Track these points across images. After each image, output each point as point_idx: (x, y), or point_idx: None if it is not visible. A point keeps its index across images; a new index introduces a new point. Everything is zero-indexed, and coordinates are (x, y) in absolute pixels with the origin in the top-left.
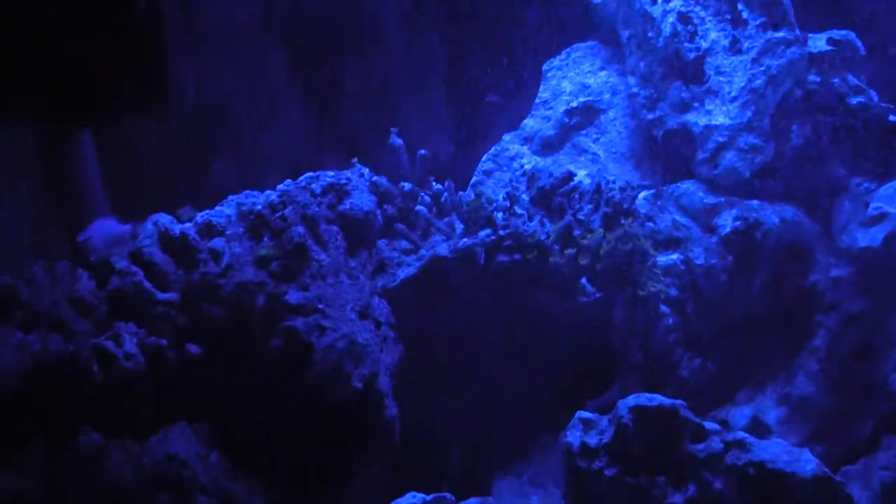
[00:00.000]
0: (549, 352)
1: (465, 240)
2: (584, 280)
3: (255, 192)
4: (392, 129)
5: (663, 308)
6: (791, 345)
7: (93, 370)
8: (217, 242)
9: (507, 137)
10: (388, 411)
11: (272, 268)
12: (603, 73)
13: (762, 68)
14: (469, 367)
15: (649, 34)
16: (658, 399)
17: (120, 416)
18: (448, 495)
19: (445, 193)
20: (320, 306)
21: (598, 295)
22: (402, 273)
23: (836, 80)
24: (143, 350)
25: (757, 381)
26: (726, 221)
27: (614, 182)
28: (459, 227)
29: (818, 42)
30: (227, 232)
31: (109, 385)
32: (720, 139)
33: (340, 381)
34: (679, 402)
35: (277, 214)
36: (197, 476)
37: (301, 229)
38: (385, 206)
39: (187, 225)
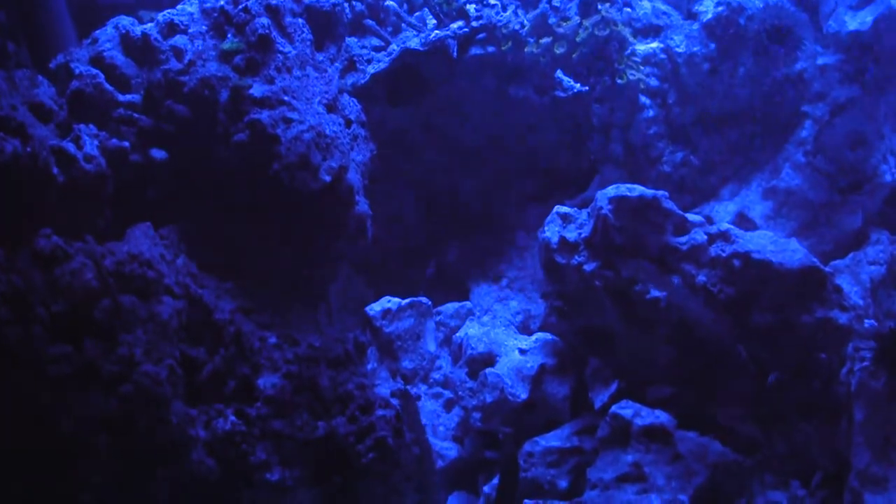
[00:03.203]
0: (525, 149)
1: (437, 32)
2: (559, 72)
3: None
4: None
5: (643, 99)
6: (777, 136)
7: (52, 172)
8: (179, 40)
9: None
10: (358, 207)
11: (236, 62)
12: None
13: None
14: (443, 167)
15: None
16: (639, 189)
17: (81, 219)
18: (424, 299)
19: None
20: (286, 98)
21: (575, 89)
22: (373, 69)
23: None
24: (104, 152)
25: (742, 174)
26: (708, 7)
27: None
28: (432, 22)
29: None
30: (190, 30)
31: (70, 187)
32: None
33: (308, 173)
34: (661, 192)
35: (240, 6)
36: (162, 277)
37: (265, 20)
38: (353, 3)
39: (149, 25)
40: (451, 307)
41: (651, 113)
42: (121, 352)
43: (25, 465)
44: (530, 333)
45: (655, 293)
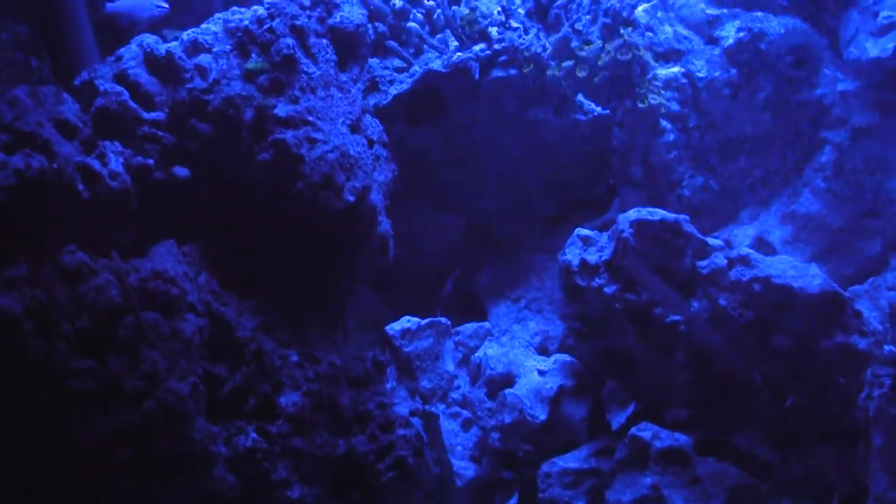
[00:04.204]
0: (545, 171)
1: (460, 54)
2: (580, 96)
3: (243, 9)
4: None
5: (664, 123)
6: (796, 162)
7: (77, 189)
8: (203, 59)
9: None
10: (381, 227)
11: (260, 81)
12: None
13: None
14: (463, 188)
15: None
16: (660, 213)
17: (105, 236)
18: (443, 319)
19: (438, 10)
20: (310, 118)
21: (595, 112)
22: (395, 90)
23: None
24: (128, 169)
25: (761, 199)
26: (729, 33)
27: None
28: (453, 44)
29: None
30: (214, 49)
31: (94, 204)
32: None
33: (332, 193)
34: (682, 216)
35: (265, 27)
36: (185, 294)
37: (290, 40)
38: (376, 24)
39: (173, 44)
40: (469, 327)
41: (671, 137)
42: (144, 368)
43: (46, 478)
44: (548, 355)
45: (674, 317)
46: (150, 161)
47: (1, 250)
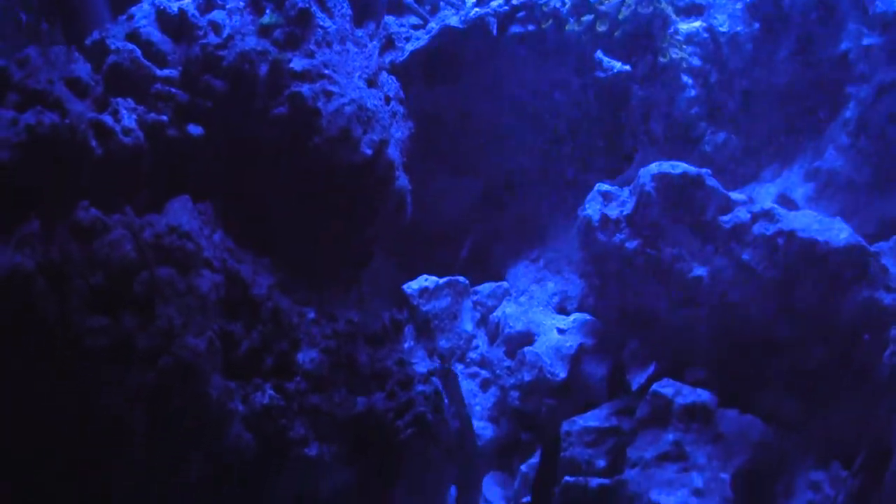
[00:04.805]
0: (564, 130)
1: (477, 10)
2: (600, 52)
3: None
4: None
5: (685, 78)
6: (820, 118)
7: (90, 145)
8: (217, 15)
9: None
10: (399, 182)
11: (275, 36)
12: None
13: None
14: (480, 148)
15: None
16: (682, 167)
17: (119, 193)
18: (461, 279)
19: None
20: (326, 72)
21: (615, 69)
22: (412, 46)
23: None
24: (142, 126)
25: (784, 156)
26: None
27: None
28: (471, 1)
29: None
30: (228, 6)
31: (107, 161)
32: None
33: (349, 146)
34: (705, 170)
35: None
36: (201, 250)
37: None
38: None
39: (186, 2)
40: (487, 287)
41: (693, 93)
42: (159, 324)
43: (62, 438)
44: (567, 314)
45: (698, 271)
46: (164, 117)
47: (14, 208)
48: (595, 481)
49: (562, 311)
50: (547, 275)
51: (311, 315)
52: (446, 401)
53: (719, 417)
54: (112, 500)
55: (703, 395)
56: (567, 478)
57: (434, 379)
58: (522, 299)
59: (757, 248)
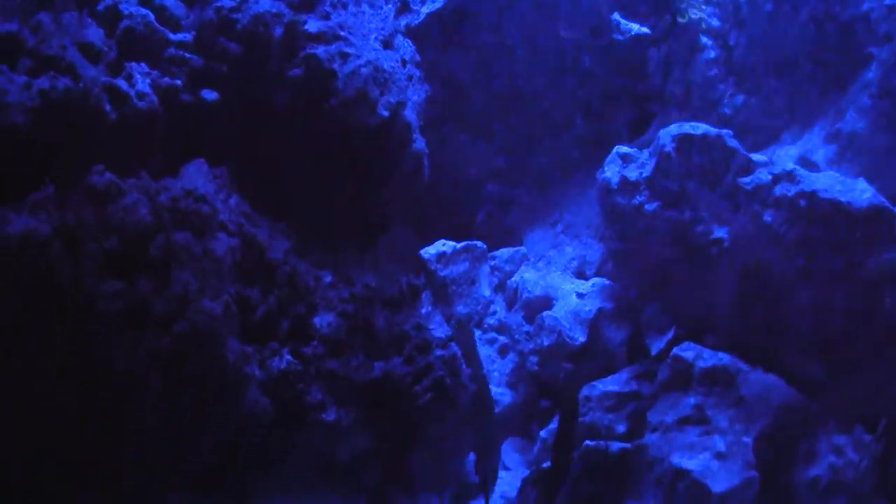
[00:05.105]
0: (581, 95)
1: None
2: (617, 15)
3: None
4: None
5: (704, 39)
6: (841, 79)
7: (105, 109)
8: None
9: None
10: (416, 144)
11: None
12: None
13: None
14: (496, 113)
15: None
16: (703, 127)
17: (134, 157)
18: (479, 243)
19: None
20: (342, 34)
21: (633, 31)
22: (427, 9)
23: None
24: (156, 90)
25: (804, 118)
26: None
27: None
28: None
29: None
30: None
31: (122, 125)
32: None
33: (366, 107)
34: (725, 130)
35: None
36: (217, 213)
37: None
38: None
39: None
40: (505, 252)
41: (712, 54)
42: (175, 289)
43: (76, 403)
44: (586, 279)
45: (719, 233)
46: (178, 82)
47: (28, 172)
48: (616, 445)
49: (580, 275)
50: (565, 240)
51: (328, 279)
52: (464, 366)
53: (741, 381)
54: (125, 464)
55: (724, 359)
56: (587, 442)
57: (452, 344)
58: (540, 264)
59: (779, 209)
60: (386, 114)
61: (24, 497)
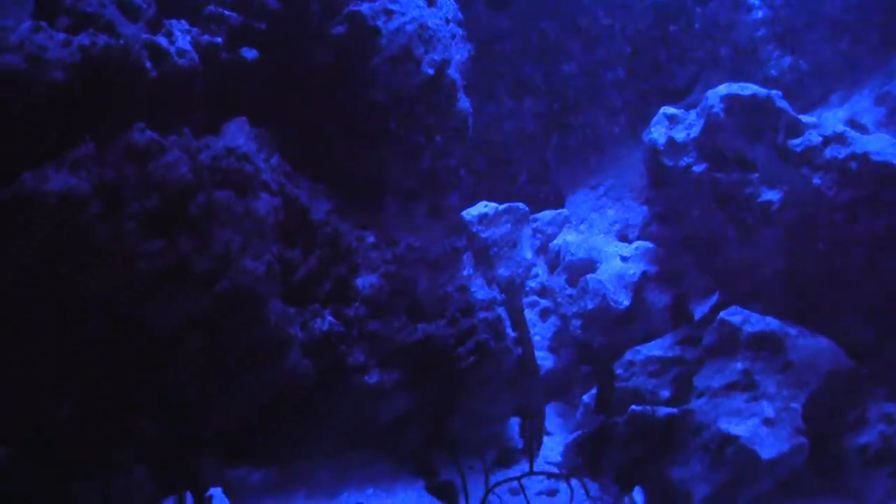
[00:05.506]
0: (625, 55)
1: None
2: None
3: None
4: None
5: None
6: (892, 40)
7: (145, 66)
8: None
9: None
10: (460, 103)
11: None
12: None
13: None
14: (538, 73)
15: None
16: (752, 88)
17: (174, 115)
18: (521, 205)
19: None
20: None
21: None
22: None
23: None
24: (196, 48)
25: (853, 80)
26: None
27: None
28: None
29: None
30: None
31: (162, 82)
32: None
33: (411, 65)
34: (775, 91)
35: None
36: (259, 172)
37: None
38: None
39: None
40: (547, 214)
41: (759, 14)
42: (216, 248)
43: (115, 364)
44: (629, 242)
45: (767, 196)
46: (219, 39)
47: (68, 129)
48: (663, 410)
49: (623, 238)
50: (607, 202)
51: (371, 239)
52: (509, 329)
53: (789, 345)
54: (159, 427)
55: (772, 323)
56: (634, 407)
57: (497, 307)
58: (582, 227)
59: (829, 171)
60: (431, 72)
61: (65, 455)
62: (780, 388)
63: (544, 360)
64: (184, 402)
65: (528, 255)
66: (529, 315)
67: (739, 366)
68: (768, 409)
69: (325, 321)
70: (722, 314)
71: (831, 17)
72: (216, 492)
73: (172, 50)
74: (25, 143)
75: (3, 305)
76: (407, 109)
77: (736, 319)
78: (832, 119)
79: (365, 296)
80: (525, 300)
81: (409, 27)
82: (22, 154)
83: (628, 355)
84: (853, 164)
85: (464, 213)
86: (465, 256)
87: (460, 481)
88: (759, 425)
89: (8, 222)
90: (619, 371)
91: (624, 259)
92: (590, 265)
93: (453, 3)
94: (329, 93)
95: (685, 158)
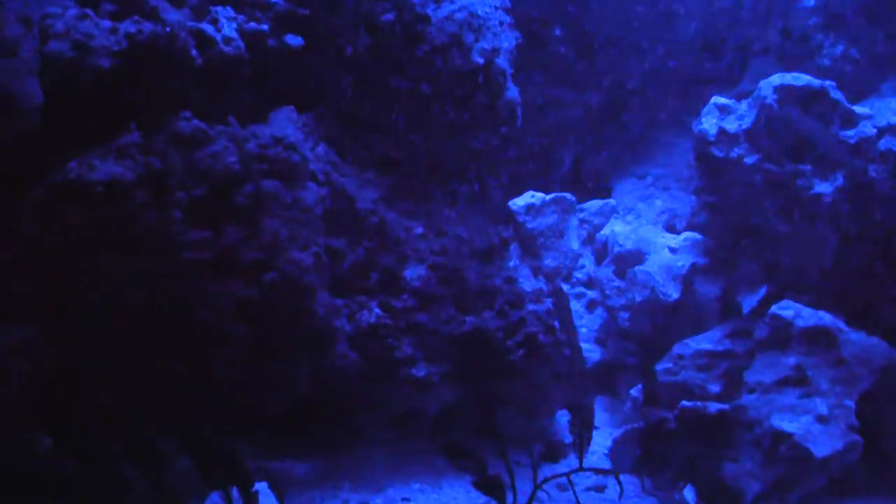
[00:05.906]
0: (672, 43)
1: None
2: None
3: None
4: None
5: None
6: None
7: (191, 54)
8: None
9: None
10: (510, 93)
11: None
12: None
13: None
14: (584, 61)
15: None
16: (805, 78)
17: (220, 103)
18: (568, 195)
19: None
20: None
21: None
22: None
23: None
24: (242, 35)
25: None
26: None
27: None
28: None
29: None
30: None
31: (208, 70)
32: None
33: (460, 53)
34: (829, 82)
35: None
36: (307, 162)
37: None
38: None
39: None
40: (594, 204)
41: (811, 2)
42: (264, 238)
43: (160, 353)
44: (676, 233)
45: (820, 188)
46: (265, 27)
47: (114, 117)
48: (714, 406)
49: (671, 229)
50: (654, 192)
51: (419, 230)
52: (557, 322)
53: (842, 341)
54: (203, 416)
55: (824, 318)
56: (684, 402)
57: (546, 299)
58: (629, 217)
59: (884, 163)
60: (480, 60)
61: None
62: (832, 384)
63: (591, 352)
64: (228, 393)
65: (575, 245)
66: (576, 306)
67: (791, 361)
68: (822, 406)
69: (373, 313)
70: (774, 308)
71: (884, 5)
72: (262, 486)
73: (219, 38)
74: (71, 130)
75: (49, 294)
76: (455, 99)
77: (788, 314)
78: (885, 108)
79: (413, 287)
80: (571, 291)
81: (458, 15)
82: (68, 142)
83: (677, 349)
84: None
85: (510, 202)
86: (511, 247)
87: (508, 476)
88: (812, 422)
89: (54, 211)
90: (667, 365)
91: (672, 250)
92: (638, 256)
93: None
94: (378, 79)
95: (736, 150)
